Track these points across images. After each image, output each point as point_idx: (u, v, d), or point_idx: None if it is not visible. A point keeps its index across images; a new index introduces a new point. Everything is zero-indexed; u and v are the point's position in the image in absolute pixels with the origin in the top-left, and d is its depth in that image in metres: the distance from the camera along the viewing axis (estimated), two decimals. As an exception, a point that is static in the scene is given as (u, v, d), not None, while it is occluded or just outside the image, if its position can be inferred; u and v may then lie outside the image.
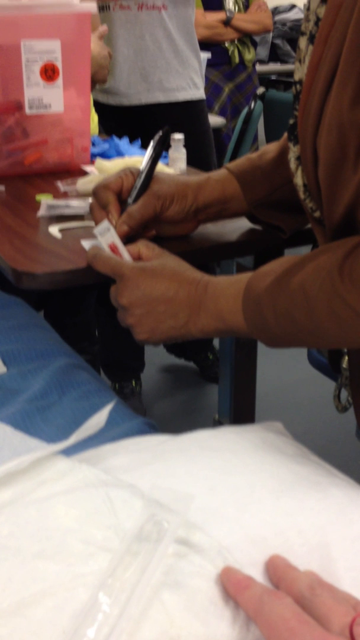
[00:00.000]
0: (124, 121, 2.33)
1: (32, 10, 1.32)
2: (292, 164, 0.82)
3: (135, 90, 2.31)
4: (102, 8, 2.22)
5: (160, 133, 1.01)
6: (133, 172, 0.98)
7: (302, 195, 0.82)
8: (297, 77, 0.78)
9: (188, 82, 2.36)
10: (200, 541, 0.57)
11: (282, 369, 2.69)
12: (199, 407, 2.48)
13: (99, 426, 0.69)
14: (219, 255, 1.19)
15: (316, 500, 0.64)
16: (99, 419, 0.69)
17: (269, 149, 1.02)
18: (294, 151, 0.81)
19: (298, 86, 0.78)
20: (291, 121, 0.80)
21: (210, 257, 1.13)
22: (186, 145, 1.55)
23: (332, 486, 0.67)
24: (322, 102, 0.73)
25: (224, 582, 0.54)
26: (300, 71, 0.78)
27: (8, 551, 0.54)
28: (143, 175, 0.97)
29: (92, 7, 1.38)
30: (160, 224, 1.01)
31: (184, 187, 0.99)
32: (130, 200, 0.96)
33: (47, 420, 0.91)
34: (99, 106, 2.26)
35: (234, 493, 0.64)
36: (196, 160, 1.68)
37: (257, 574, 0.56)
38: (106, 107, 2.32)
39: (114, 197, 0.97)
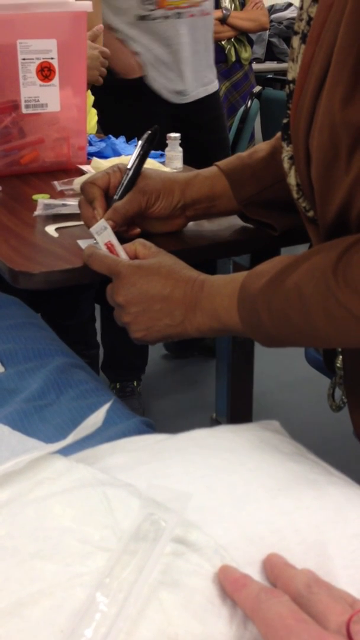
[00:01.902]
0: (175, 117, 2.41)
1: (28, 10, 1.32)
2: (286, 164, 0.82)
3: (193, 88, 2.42)
4: (167, 16, 2.30)
5: (148, 132, 1.02)
6: (121, 169, 0.99)
7: (295, 195, 0.82)
8: (290, 76, 0.79)
9: (214, 74, 2.53)
10: (197, 540, 0.57)
11: (279, 368, 2.69)
12: (196, 406, 2.48)
13: (96, 426, 0.69)
14: (215, 254, 1.19)
15: (313, 498, 0.64)
16: (96, 419, 0.69)
17: (260, 148, 1.03)
18: (287, 151, 0.81)
19: (291, 85, 0.78)
20: (285, 120, 0.80)
21: (207, 256, 1.13)
22: (212, 129, 1.59)
23: (329, 485, 0.67)
24: (314, 101, 0.73)
25: (221, 581, 0.54)
26: (293, 70, 0.78)
27: (5, 551, 0.54)
28: (130, 172, 0.97)
29: (88, 5, 1.37)
30: (148, 220, 1.01)
31: (171, 183, 0.99)
32: (116, 196, 0.97)
33: (44, 420, 0.91)
34: (160, 104, 2.33)
35: (231, 492, 0.64)
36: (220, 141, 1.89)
37: (254, 572, 0.56)
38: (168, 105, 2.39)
39: (100, 192, 0.98)
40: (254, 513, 0.62)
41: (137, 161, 0.98)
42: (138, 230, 1.01)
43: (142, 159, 0.98)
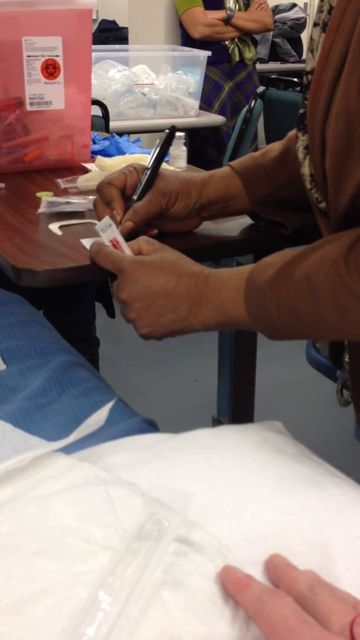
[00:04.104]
0: None
1: (33, 7, 1.32)
2: (300, 153, 0.82)
3: None
4: None
5: (167, 131, 1.02)
6: (137, 169, 0.99)
7: (308, 186, 0.82)
8: (308, 67, 0.79)
9: None
10: (200, 540, 0.57)
11: (280, 368, 2.69)
12: (198, 405, 2.48)
13: (99, 424, 0.69)
14: (219, 254, 1.19)
15: (316, 499, 0.64)
16: (99, 417, 0.69)
17: (272, 148, 1.03)
18: (302, 140, 0.81)
19: (309, 76, 0.78)
20: (301, 111, 0.80)
21: (211, 256, 1.13)
22: None
23: (332, 485, 0.67)
24: (332, 90, 0.73)
25: (224, 581, 0.54)
26: (311, 61, 0.78)
27: (8, 549, 0.54)
28: (149, 172, 0.97)
29: (93, 3, 1.37)
30: (164, 220, 1.01)
31: (188, 184, 1.00)
32: (135, 196, 0.97)
33: (46, 418, 0.90)
34: None
35: (234, 492, 0.64)
36: None
37: (256, 573, 0.56)
38: None
39: (118, 193, 0.98)
40: (256, 513, 0.62)
41: (155, 161, 0.98)
42: (155, 231, 1.01)
43: (160, 158, 0.99)
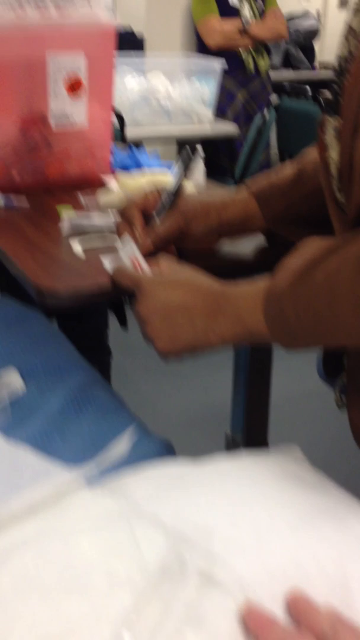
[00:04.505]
0: None
1: (57, 25, 1.33)
2: (328, 136, 0.80)
3: None
4: None
5: (188, 150, 1.04)
6: (159, 190, 1.02)
7: (333, 171, 0.80)
8: (342, 52, 0.78)
9: None
10: (221, 575, 0.57)
11: (292, 381, 2.69)
12: (209, 417, 2.48)
13: (121, 453, 0.69)
14: (237, 274, 1.19)
15: (335, 532, 0.64)
16: (120, 448, 0.69)
17: (287, 167, 1.05)
18: (331, 123, 0.80)
19: (342, 62, 0.77)
20: (330, 96, 0.79)
21: (229, 275, 1.14)
22: None
23: (351, 517, 0.67)
24: None
25: (247, 621, 0.54)
26: (345, 47, 0.77)
27: (33, 587, 0.54)
28: (171, 194, 1.00)
29: (117, 21, 1.39)
30: (183, 239, 1.03)
31: (208, 206, 1.02)
32: (156, 215, 0.99)
33: (65, 440, 0.90)
34: None
35: (254, 524, 0.64)
36: None
37: (277, 608, 0.56)
38: None
39: (139, 212, 1.01)
40: (276, 547, 0.62)
41: (178, 182, 1.01)
42: (175, 250, 1.03)
43: (181, 181, 1.01)
